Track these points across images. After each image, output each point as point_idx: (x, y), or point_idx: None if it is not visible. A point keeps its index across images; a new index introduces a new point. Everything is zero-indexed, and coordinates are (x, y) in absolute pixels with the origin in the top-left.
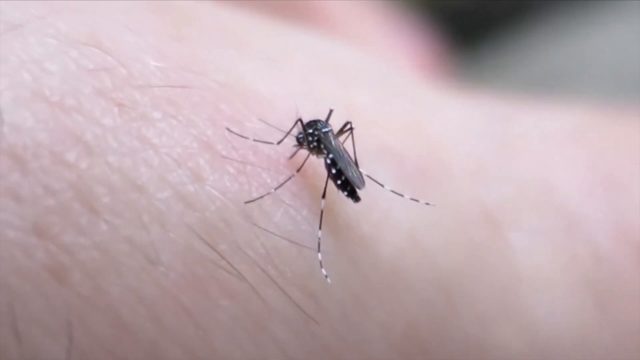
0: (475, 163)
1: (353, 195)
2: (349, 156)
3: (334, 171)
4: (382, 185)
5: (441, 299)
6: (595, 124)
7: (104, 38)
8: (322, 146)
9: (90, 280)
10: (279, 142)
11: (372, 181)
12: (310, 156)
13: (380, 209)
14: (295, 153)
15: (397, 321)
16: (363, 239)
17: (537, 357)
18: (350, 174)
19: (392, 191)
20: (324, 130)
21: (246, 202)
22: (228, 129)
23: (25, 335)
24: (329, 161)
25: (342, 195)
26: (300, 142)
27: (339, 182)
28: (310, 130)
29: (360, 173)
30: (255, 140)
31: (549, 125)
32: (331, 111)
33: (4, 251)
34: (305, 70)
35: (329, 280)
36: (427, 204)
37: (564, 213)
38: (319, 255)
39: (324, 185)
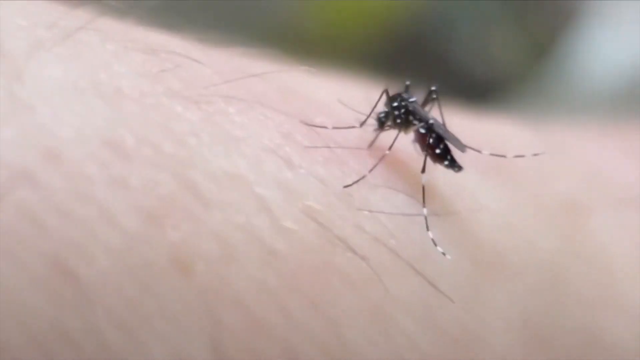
0: (537, 160)
1: (453, 164)
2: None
3: (431, 140)
4: (480, 152)
5: (546, 284)
6: (614, 129)
7: (158, 49)
8: (411, 117)
9: (215, 271)
10: (361, 124)
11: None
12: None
13: (468, 192)
14: (375, 139)
15: (513, 307)
16: (462, 221)
17: None
18: (450, 138)
19: (492, 154)
20: (410, 100)
21: (344, 187)
22: (304, 122)
23: (168, 336)
24: (423, 130)
25: (439, 169)
26: (383, 122)
27: (437, 151)
28: (396, 104)
29: (457, 137)
30: (334, 127)
31: (580, 132)
32: (408, 85)
33: (127, 244)
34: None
35: (448, 256)
36: (536, 154)
37: (631, 198)
38: (430, 233)
39: (415, 163)
